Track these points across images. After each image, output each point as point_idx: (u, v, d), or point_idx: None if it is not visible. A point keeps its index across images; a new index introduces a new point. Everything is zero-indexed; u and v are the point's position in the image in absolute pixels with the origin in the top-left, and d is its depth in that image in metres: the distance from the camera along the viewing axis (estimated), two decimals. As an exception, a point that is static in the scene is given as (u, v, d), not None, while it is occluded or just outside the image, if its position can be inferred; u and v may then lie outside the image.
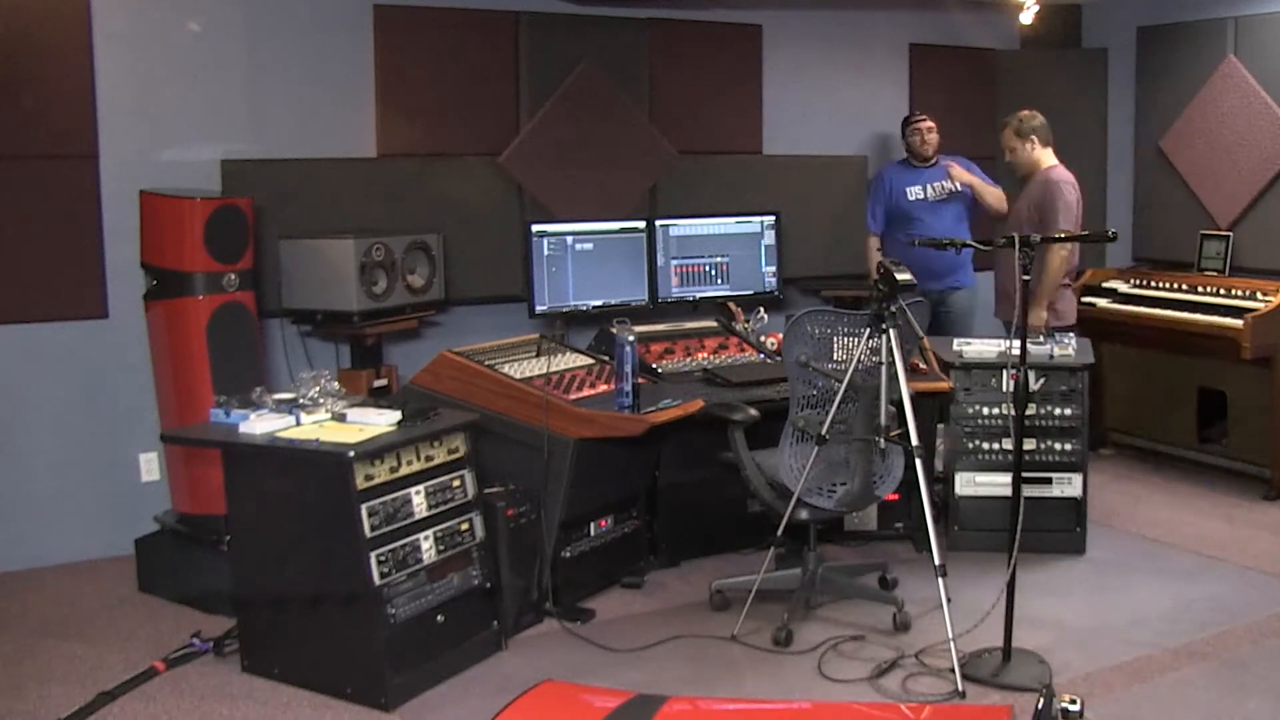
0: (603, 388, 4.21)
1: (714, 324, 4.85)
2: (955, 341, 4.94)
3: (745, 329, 4.82)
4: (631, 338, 3.97)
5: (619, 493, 4.41)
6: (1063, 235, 3.61)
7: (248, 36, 4.85)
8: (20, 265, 4.50)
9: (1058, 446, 4.65)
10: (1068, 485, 4.65)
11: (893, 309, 3.73)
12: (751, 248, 5.48)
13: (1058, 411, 4.64)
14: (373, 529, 3.38)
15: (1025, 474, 3.80)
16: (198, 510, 4.30)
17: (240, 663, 3.64)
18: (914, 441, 3.73)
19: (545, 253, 5.02)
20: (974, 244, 3.79)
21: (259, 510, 3.59)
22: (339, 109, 5.06)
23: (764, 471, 3.96)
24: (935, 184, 5.90)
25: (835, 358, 3.84)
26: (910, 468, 3.82)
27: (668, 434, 4.25)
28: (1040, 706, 2.62)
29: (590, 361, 4.47)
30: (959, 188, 5.87)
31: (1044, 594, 4.22)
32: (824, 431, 3.74)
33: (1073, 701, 2.65)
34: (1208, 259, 5.96)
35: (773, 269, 5.53)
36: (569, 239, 5.07)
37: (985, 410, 4.68)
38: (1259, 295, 5.43)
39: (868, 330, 3.75)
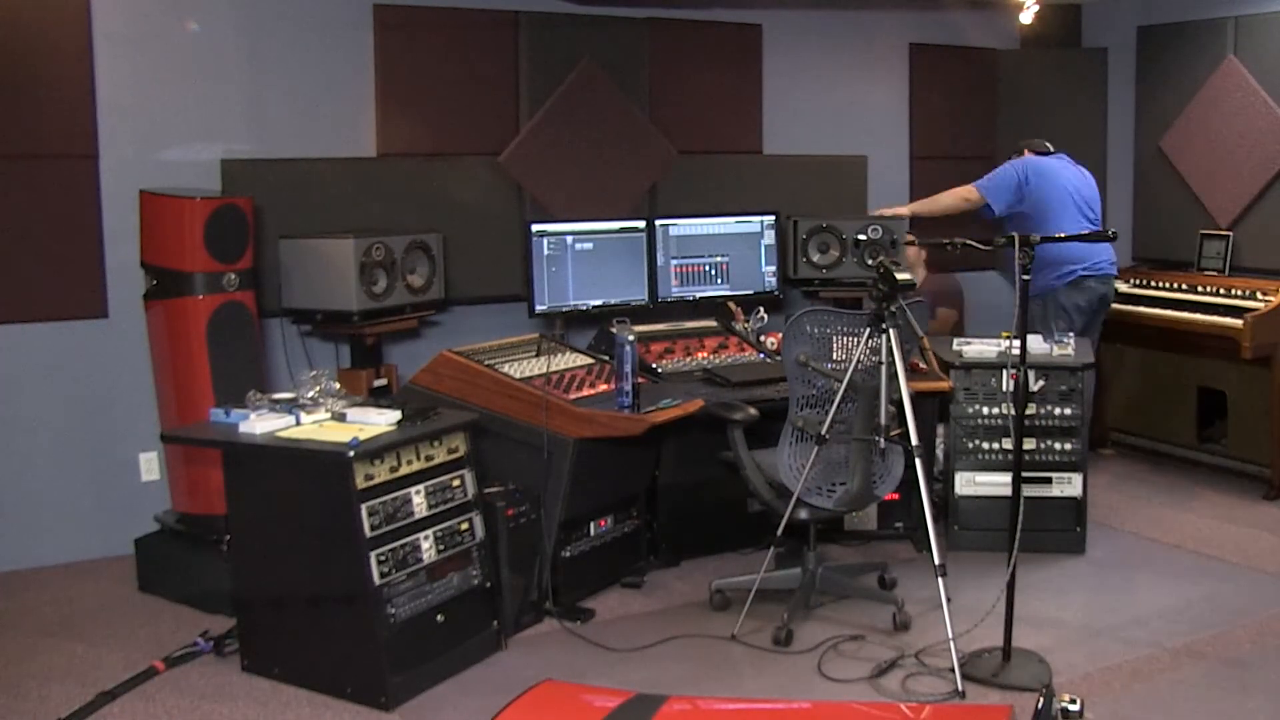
0: (603, 387, 4.20)
1: (714, 324, 4.85)
2: (955, 341, 4.94)
3: (745, 329, 4.81)
4: (631, 337, 3.97)
5: (619, 492, 4.41)
6: (1062, 236, 3.61)
7: (248, 36, 4.85)
8: (20, 265, 4.49)
9: (1058, 446, 4.65)
10: (1068, 485, 4.65)
11: (892, 309, 3.73)
12: (751, 248, 5.48)
13: (1058, 411, 4.64)
14: (373, 529, 3.38)
15: (1025, 474, 3.80)
16: (198, 510, 4.30)
17: (240, 663, 3.64)
18: (914, 441, 3.73)
19: (545, 252, 5.01)
20: (974, 243, 3.79)
21: (259, 510, 3.59)
22: (339, 109, 5.06)
23: (764, 471, 3.96)
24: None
25: (835, 357, 3.84)
26: (910, 467, 3.82)
27: (668, 434, 4.25)
28: (1040, 706, 2.62)
29: (590, 361, 4.46)
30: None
31: (1044, 594, 4.22)
32: (824, 431, 3.75)
33: (1073, 701, 2.65)
34: (1208, 259, 5.96)
35: (773, 269, 5.53)
36: (569, 239, 5.07)
37: (985, 410, 4.68)
38: (1259, 295, 5.43)
39: (867, 330, 3.76)
